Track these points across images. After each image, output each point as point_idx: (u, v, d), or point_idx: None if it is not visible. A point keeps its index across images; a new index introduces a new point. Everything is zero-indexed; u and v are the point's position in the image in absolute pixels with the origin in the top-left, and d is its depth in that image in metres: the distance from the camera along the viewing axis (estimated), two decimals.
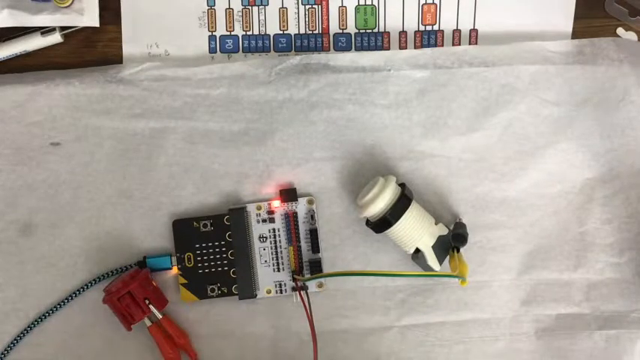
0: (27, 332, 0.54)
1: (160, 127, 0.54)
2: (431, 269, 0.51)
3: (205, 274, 0.53)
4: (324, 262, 0.54)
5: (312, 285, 0.54)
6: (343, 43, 0.56)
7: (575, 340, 0.54)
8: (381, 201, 0.50)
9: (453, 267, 0.51)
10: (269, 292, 0.54)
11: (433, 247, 0.51)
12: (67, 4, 0.52)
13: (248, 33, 0.56)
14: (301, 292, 0.53)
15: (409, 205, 0.51)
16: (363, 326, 0.55)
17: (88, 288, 0.54)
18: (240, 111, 0.54)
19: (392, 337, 0.55)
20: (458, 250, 0.51)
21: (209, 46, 0.56)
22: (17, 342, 0.54)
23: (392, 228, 0.51)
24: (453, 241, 0.52)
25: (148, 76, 0.54)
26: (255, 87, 0.54)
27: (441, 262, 0.52)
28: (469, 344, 0.55)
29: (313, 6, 0.55)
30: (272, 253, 0.54)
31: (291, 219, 0.54)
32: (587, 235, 0.55)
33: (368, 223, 0.52)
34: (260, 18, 0.55)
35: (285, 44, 0.56)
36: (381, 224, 0.51)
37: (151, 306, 0.51)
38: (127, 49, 0.55)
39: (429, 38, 0.56)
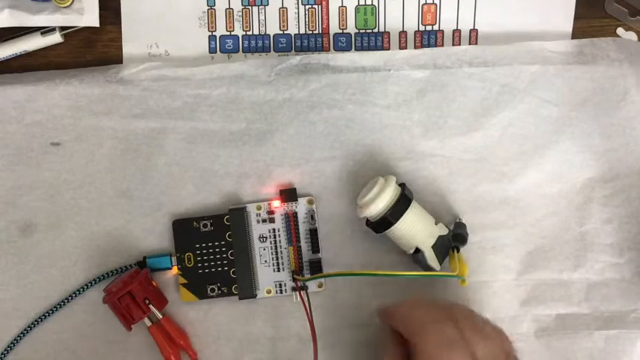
0: (27, 332, 0.54)
1: (159, 127, 0.54)
2: (431, 269, 0.51)
3: (205, 274, 0.53)
4: (324, 262, 0.54)
5: (312, 285, 0.54)
6: (343, 43, 0.56)
7: (575, 340, 0.54)
8: (381, 201, 0.50)
9: (453, 267, 0.51)
10: (269, 292, 0.54)
11: (433, 247, 0.51)
12: (67, 4, 0.53)
13: (248, 33, 0.56)
14: (301, 292, 0.53)
15: (409, 205, 0.51)
16: (363, 326, 0.54)
17: (88, 288, 0.54)
18: (240, 111, 0.54)
19: None
20: (458, 250, 0.51)
21: (209, 46, 0.56)
22: (17, 342, 0.54)
23: (392, 228, 0.51)
24: (452, 241, 0.52)
25: (148, 76, 0.54)
26: (255, 87, 0.54)
27: (441, 262, 0.52)
28: None
29: (313, 6, 0.55)
30: (272, 253, 0.54)
31: (291, 219, 0.54)
32: (587, 235, 0.55)
33: (368, 223, 0.52)
34: (260, 18, 0.55)
35: (285, 44, 0.56)
36: (381, 224, 0.51)
37: (150, 306, 0.52)
38: (127, 49, 0.55)
39: (429, 38, 0.56)
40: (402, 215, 0.50)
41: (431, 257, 0.51)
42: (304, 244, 0.54)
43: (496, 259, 0.54)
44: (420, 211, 0.52)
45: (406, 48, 0.56)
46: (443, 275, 0.52)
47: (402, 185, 0.52)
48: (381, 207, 0.50)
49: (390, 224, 0.50)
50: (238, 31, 0.56)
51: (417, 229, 0.51)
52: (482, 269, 0.54)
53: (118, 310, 0.51)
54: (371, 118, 0.54)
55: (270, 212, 0.54)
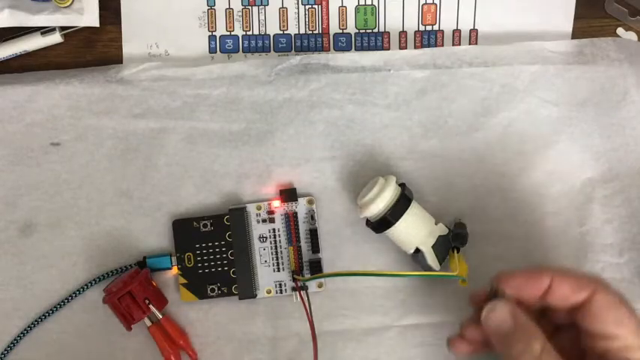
0: (27, 332, 0.54)
1: (159, 127, 0.54)
2: (431, 269, 0.51)
3: (205, 274, 0.53)
4: (324, 262, 0.54)
5: (312, 285, 0.54)
6: (343, 43, 0.56)
7: None
8: (381, 201, 0.50)
9: (453, 267, 0.51)
10: (269, 292, 0.54)
11: (433, 247, 0.51)
12: (67, 4, 0.53)
13: (248, 33, 0.56)
14: (301, 292, 0.53)
15: (409, 205, 0.51)
16: (363, 326, 0.54)
17: (88, 288, 0.54)
18: (240, 111, 0.54)
19: (392, 337, 0.55)
20: (458, 250, 0.51)
21: (209, 46, 0.56)
22: (17, 342, 0.54)
23: (392, 228, 0.50)
24: (452, 241, 0.52)
25: (148, 76, 0.54)
26: (255, 87, 0.54)
27: (441, 262, 0.51)
28: None
29: (313, 6, 0.55)
30: (272, 253, 0.54)
31: (291, 219, 0.54)
32: (587, 235, 0.55)
33: (368, 223, 0.52)
34: (260, 18, 0.55)
35: (285, 44, 0.56)
36: (381, 224, 0.51)
37: (150, 306, 0.52)
38: (127, 49, 0.55)
39: (429, 38, 0.56)
40: (402, 215, 0.50)
41: (431, 257, 0.51)
42: (304, 244, 0.54)
43: (496, 258, 0.54)
44: (420, 211, 0.52)
45: (406, 48, 0.56)
46: (443, 275, 0.52)
47: (402, 185, 0.52)
48: (381, 207, 0.50)
49: (390, 224, 0.50)
50: (238, 31, 0.56)
51: (417, 229, 0.51)
52: (482, 269, 0.54)
53: (118, 310, 0.51)
54: (371, 118, 0.54)
55: (270, 212, 0.54)
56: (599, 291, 0.43)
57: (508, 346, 0.43)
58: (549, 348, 0.42)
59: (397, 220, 0.50)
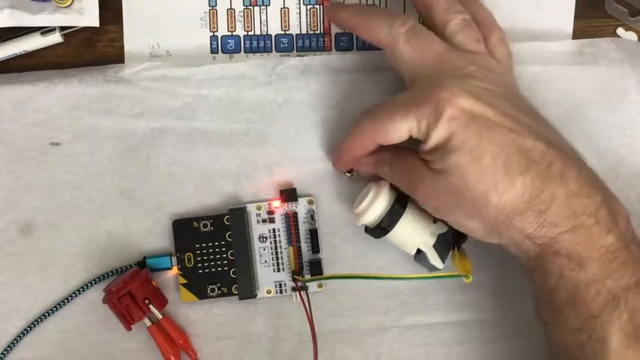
0: (27, 332, 0.53)
1: (159, 127, 0.54)
2: (435, 268, 0.51)
3: (205, 274, 0.53)
4: (324, 263, 0.54)
5: (312, 285, 0.54)
6: (344, 43, 0.56)
7: None
8: (375, 208, 0.50)
9: (455, 265, 0.51)
10: (269, 292, 0.54)
11: (434, 245, 0.51)
12: (67, 4, 0.52)
13: (250, 33, 0.56)
14: (301, 292, 0.53)
15: (405, 208, 0.50)
16: (363, 326, 0.55)
17: (88, 288, 0.54)
18: (240, 111, 0.54)
19: (392, 337, 0.55)
20: (459, 248, 0.51)
21: (211, 46, 0.56)
22: (17, 342, 0.53)
23: (390, 233, 0.50)
24: (453, 239, 0.51)
25: (147, 76, 0.54)
26: (256, 87, 0.54)
27: (443, 259, 0.51)
28: (469, 344, 0.55)
29: (315, 6, 0.55)
30: (272, 253, 0.54)
31: (291, 219, 0.54)
32: None
33: (367, 229, 0.52)
34: (262, 18, 0.55)
35: (287, 44, 0.56)
36: (379, 231, 0.50)
37: (150, 306, 0.51)
38: (128, 49, 0.55)
39: None
40: (398, 220, 0.50)
41: (433, 256, 0.51)
42: (304, 245, 0.54)
43: (496, 258, 0.54)
44: (417, 211, 0.51)
45: None
46: (446, 276, 0.51)
47: (396, 188, 0.52)
48: (377, 214, 0.50)
49: (388, 230, 0.50)
50: (240, 32, 0.56)
51: (416, 230, 0.50)
52: (482, 269, 0.54)
53: (118, 310, 0.51)
54: None
55: (270, 212, 0.54)
56: None
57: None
58: (397, 164, 0.49)
59: (394, 225, 0.50)
